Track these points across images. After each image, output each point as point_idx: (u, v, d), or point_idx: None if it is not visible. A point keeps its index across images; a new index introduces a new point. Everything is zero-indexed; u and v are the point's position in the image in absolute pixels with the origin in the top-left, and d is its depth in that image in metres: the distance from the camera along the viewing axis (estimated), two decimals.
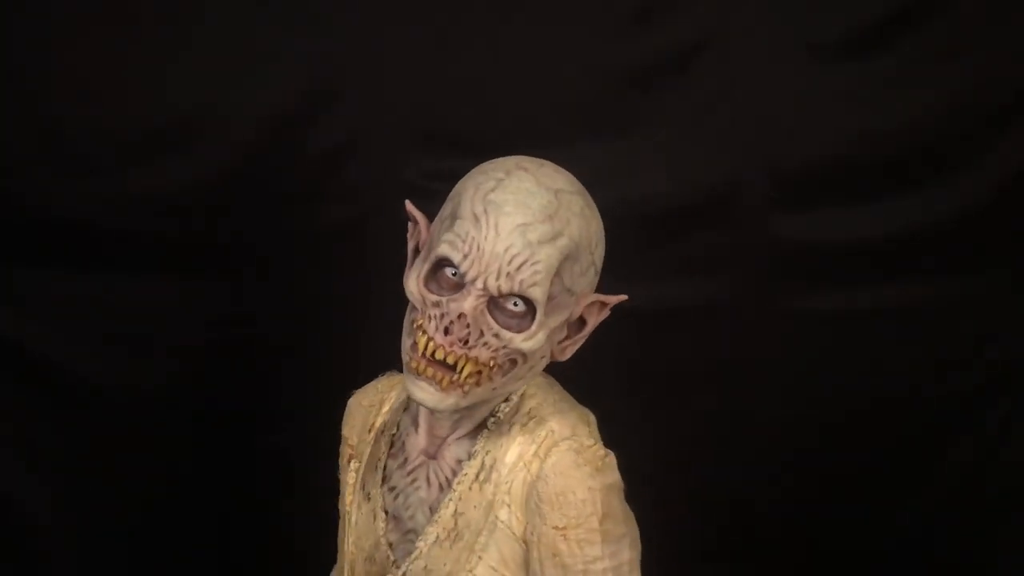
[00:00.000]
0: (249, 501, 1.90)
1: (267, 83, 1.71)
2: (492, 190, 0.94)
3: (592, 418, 1.03)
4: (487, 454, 0.99)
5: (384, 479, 1.07)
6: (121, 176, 1.73)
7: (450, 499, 1.00)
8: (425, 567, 1.00)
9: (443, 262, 0.93)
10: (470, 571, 0.98)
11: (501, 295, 0.91)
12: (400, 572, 1.03)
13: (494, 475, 0.98)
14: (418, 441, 1.04)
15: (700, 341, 1.84)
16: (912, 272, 1.82)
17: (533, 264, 0.91)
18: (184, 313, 1.80)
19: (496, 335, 0.92)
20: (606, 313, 1.00)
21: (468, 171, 1.76)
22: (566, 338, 1.00)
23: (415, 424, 1.04)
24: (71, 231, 1.75)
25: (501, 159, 1.02)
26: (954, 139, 1.76)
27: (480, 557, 0.97)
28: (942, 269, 1.82)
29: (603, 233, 1.01)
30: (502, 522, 0.97)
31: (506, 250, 0.90)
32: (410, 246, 1.02)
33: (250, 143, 1.73)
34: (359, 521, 1.10)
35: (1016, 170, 1.77)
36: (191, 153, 1.73)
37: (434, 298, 0.93)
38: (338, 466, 1.25)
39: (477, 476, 0.99)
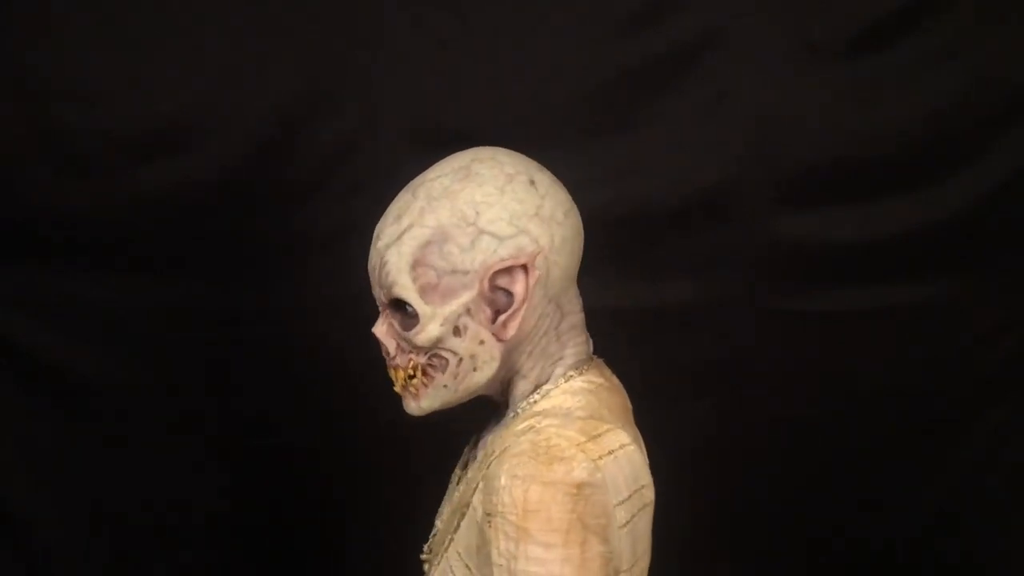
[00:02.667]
0: (249, 501, 1.90)
1: (267, 83, 1.71)
2: None
3: (606, 436, 0.94)
4: (493, 443, 1.00)
5: (461, 477, 1.13)
6: (121, 176, 1.73)
7: (459, 485, 1.04)
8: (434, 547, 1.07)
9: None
10: (445, 552, 1.01)
11: (390, 305, 1.01)
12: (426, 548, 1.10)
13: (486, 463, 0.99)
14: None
15: (700, 341, 1.84)
16: (912, 272, 1.82)
17: (384, 268, 1.00)
18: (184, 313, 1.80)
19: (405, 339, 0.99)
20: (534, 275, 0.96)
21: None
22: (497, 315, 0.97)
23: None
24: (71, 231, 1.75)
25: None
26: (954, 139, 1.76)
27: (453, 539, 1.00)
28: (942, 269, 1.82)
29: (498, 196, 0.97)
30: (473, 507, 0.98)
31: (372, 267, 1.03)
32: None
33: (250, 143, 1.73)
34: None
35: (1016, 170, 1.77)
36: (191, 153, 1.73)
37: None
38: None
39: (480, 464, 1.01)
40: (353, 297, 1.80)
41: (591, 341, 1.08)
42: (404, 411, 1.06)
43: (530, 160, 1.04)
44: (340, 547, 1.93)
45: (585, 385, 1.01)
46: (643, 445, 1.03)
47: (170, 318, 1.80)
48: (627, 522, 0.93)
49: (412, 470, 1.77)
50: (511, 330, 0.97)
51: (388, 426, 1.84)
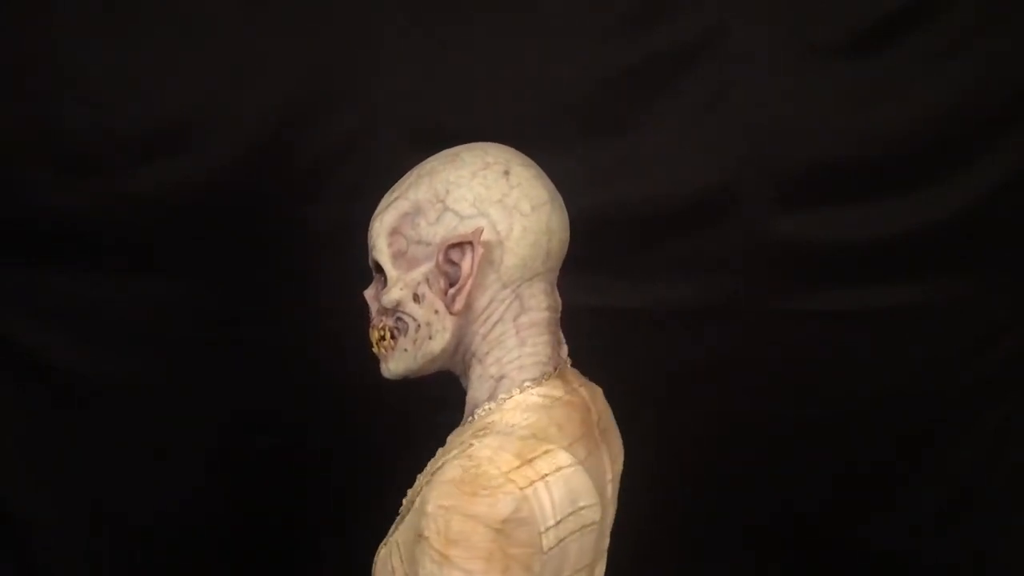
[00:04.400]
0: (250, 501, 1.90)
1: (266, 83, 1.71)
2: None
3: (543, 459, 0.95)
4: (450, 442, 1.08)
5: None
6: (121, 176, 1.73)
7: (417, 481, 1.08)
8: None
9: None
10: (395, 534, 1.05)
11: (374, 269, 1.12)
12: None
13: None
14: None
15: (700, 341, 1.84)
16: (912, 272, 1.82)
17: (371, 232, 1.11)
18: (184, 313, 1.80)
19: (379, 301, 1.10)
20: (478, 252, 1.00)
21: None
22: (451, 288, 1.03)
23: None
24: (71, 231, 1.75)
25: None
26: (954, 139, 1.76)
27: (399, 526, 1.05)
28: (942, 269, 1.82)
29: (468, 180, 1.03)
30: (416, 507, 1.00)
31: (369, 232, 1.12)
32: None
33: (249, 143, 1.73)
34: None
35: (1016, 170, 1.77)
36: (191, 153, 1.73)
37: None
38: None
39: (432, 463, 1.07)
40: (353, 297, 1.81)
41: (564, 346, 1.10)
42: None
43: (522, 157, 1.07)
44: (342, 547, 1.93)
45: (539, 400, 1.02)
46: (602, 461, 1.05)
47: (170, 318, 1.80)
48: (555, 545, 0.94)
49: (414, 469, 1.77)
50: (458, 303, 1.02)
51: (389, 426, 1.85)
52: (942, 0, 1.70)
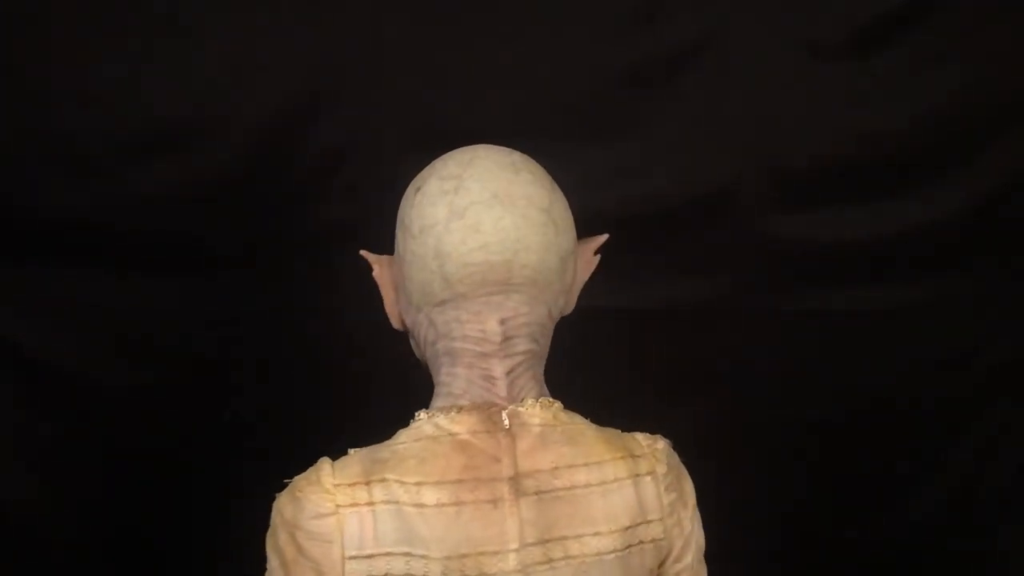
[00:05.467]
0: (250, 501, 1.90)
1: (267, 83, 1.71)
2: None
3: (381, 487, 0.92)
4: None
5: None
6: (121, 176, 1.72)
7: None
8: None
9: None
10: None
11: None
12: None
13: None
14: None
15: (700, 341, 1.84)
16: (912, 272, 1.82)
17: None
18: (183, 313, 1.80)
19: None
20: (373, 269, 1.08)
21: None
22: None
23: None
24: (71, 231, 1.74)
25: (508, 148, 1.07)
26: (954, 139, 1.76)
27: None
28: (941, 269, 1.82)
29: (408, 194, 1.05)
30: None
31: None
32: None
33: (249, 143, 1.73)
34: None
35: (1015, 170, 1.77)
36: (191, 153, 1.73)
37: None
38: None
39: None
40: (353, 296, 1.81)
41: (482, 387, 0.98)
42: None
43: (456, 164, 1.00)
44: None
45: (430, 430, 0.96)
46: (491, 519, 0.92)
47: (170, 318, 1.80)
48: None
49: None
50: (391, 320, 1.07)
51: (391, 425, 1.85)
52: (940, 0, 1.70)
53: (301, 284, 1.80)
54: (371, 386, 1.85)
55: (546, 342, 1.03)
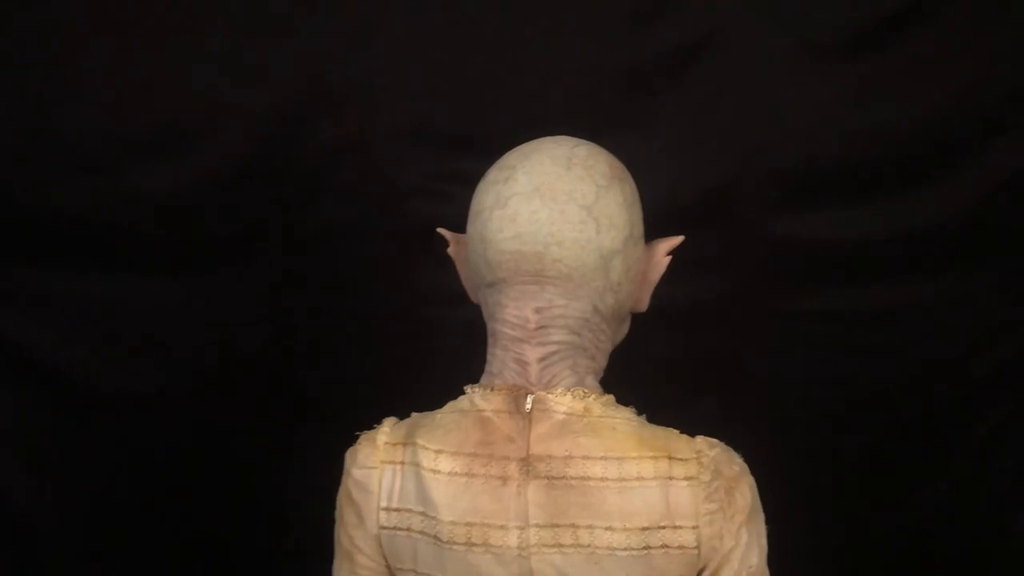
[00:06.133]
0: (249, 501, 1.90)
1: (267, 83, 1.71)
2: None
3: (411, 450, 1.02)
4: None
5: None
6: (121, 176, 1.73)
7: None
8: None
9: None
10: None
11: None
12: None
13: None
14: None
15: (700, 341, 1.84)
16: (912, 272, 1.82)
17: None
18: (183, 313, 1.80)
19: None
20: (445, 244, 1.11)
21: (468, 171, 1.76)
22: None
23: None
24: (71, 231, 1.75)
25: (582, 143, 1.09)
26: (954, 139, 1.75)
27: None
28: (942, 269, 1.82)
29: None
30: None
31: None
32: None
33: (250, 143, 1.73)
34: None
35: (1015, 170, 1.77)
36: (191, 153, 1.73)
37: None
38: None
39: None
40: (353, 296, 1.81)
41: (515, 370, 1.01)
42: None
43: (517, 156, 1.04)
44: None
45: (465, 404, 1.02)
46: (501, 496, 0.96)
47: (170, 318, 1.80)
48: (389, 528, 1.02)
49: None
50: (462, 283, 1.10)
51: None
52: (940, 1, 1.70)
53: (301, 283, 1.80)
54: (374, 384, 1.85)
55: (595, 336, 1.02)
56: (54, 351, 1.80)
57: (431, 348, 1.81)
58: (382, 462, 1.03)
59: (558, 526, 0.95)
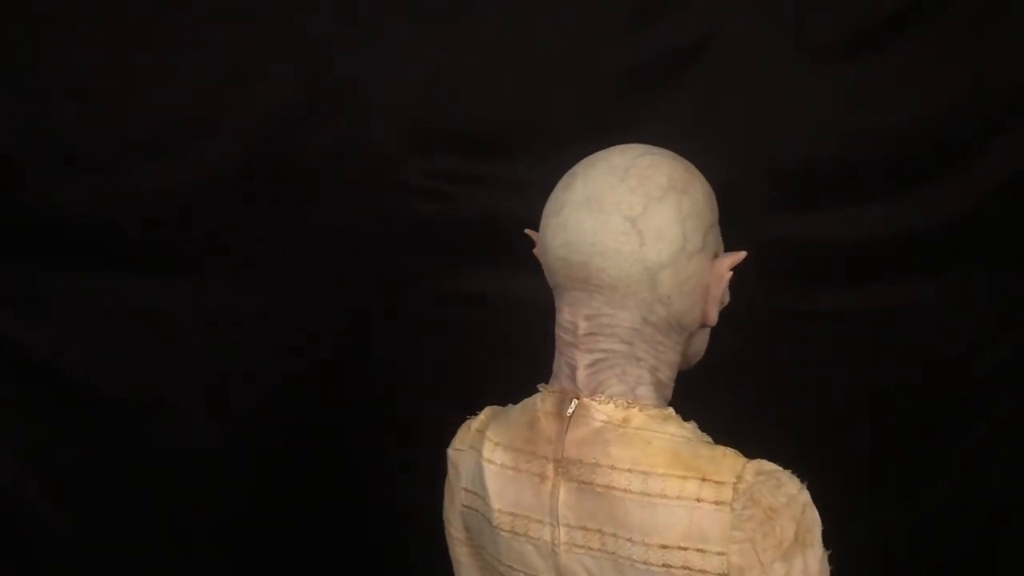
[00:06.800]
0: (250, 501, 1.90)
1: (267, 83, 1.71)
2: None
3: (478, 437, 1.09)
4: None
5: None
6: (121, 176, 1.72)
7: None
8: None
9: None
10: None
11: None
12: None
13: None
14: None
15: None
16: (912, 272, 1.82)
17: None
18: (184, 313, 1.80)
19: None
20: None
21: (468, 171, 1.76)
22: None
23: None
24: (71, 231, 1.75)
25: (677, 157, 1.07)
26: (954, 139, 1.76)
27: None
28: (942, 269, 1.82)
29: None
30: None
31: None
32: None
33: (249, 143, 1.73)
34: None
35: (1015, 170, 1.77)
36: (191, 153, 1.73)
37: None
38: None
39: None
40: (354, 296, 1.81)
41: (567, 374, 1.02)
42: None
43: (584, 164, 1.03)
44: (346, 546, 1.93)
45: (529, 404, 1.06)
46: (540, 491, 1.00)
47: (170, 318, 1.80)
48: (466, 507, 1.09)
49: (417, 467, 1.77)
50: None
51: (393, 424, 1.86)
52: (940, 1, 1.70)
53: (302, 283, 1.80)
54: (374, 383, 1.85)
55: (650, 347, 1.01)
56: (54, 351, 1.80)
57: (431, 348, 1.81)
58: (469, 446, 1.09)
59: (587, 529, 0.97)
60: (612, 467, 0.96)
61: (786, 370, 1.85)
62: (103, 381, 1.83)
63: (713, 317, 1.05)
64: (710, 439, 1.01)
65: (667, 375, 1.05)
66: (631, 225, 0.96)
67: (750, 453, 1.08)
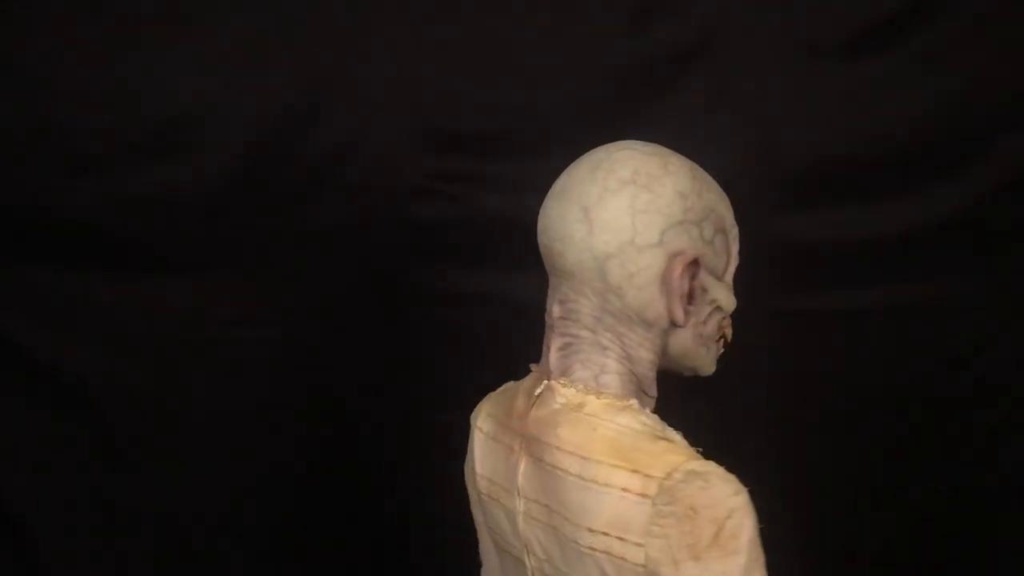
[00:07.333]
0: (250, 501, 1.90)
1: (267, 83, 1.71)
2: (718, 186, 1.12)
3: (478, 414, 1.16)
4: None
5: None
6: (121, 176, 1.73)
7: None
8: None
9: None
10: None
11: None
12: None
13: None
14: None
15: None
16: (912, 272, 1.82)
17: None
18: (184, 313, 1.80)
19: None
20: None
21: (468, 171, 1.76)
22: None
23: None
24: (71, 231, 1.74)
25: (663, 155, 1.06)
26: (954, 139, 1.76)
27: None
28: (941, 269, 1.82)
29: None
30: None
31: None
32: (686, 286, 1.03)
33: (250, 143, 1.73)
34: None
35: (1016, 170, 1.77)
36: (191, 153, 1.73)
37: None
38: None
39: None
40: (353, 296, 1.81)
41: (545, 356, 1.07)
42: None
43: (579, 158, 1.07)
44: (347, 547, 1.93)
45: (520, 382, 1.12)
46: (508, 459, 1.07)
47: (170, 318, 1.80)
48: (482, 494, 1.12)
49: (418, 466, 1.78)
50: None
51: (393, 423, 1.86)
52: (940, 1, 1.70)
53: (302, 283, 1.80)
54: (373, 383, 1.85)
55: (616, 336, 1.02)
56: (54, 351, 1.80)
57: (431, 348, 1.81)
58: (476, 414, 1.16)
59: (539, 503, 1.02)
60: (559, 448, 0.99)
61: (786, 370, 1.85)
62: (104, 381, 1.82)
63: (676, 316, 1.02)
64: (676, 437, 1.01)
65: (641, 369, 1.05)
66: (584, 214, 0.99)
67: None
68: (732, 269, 1.10)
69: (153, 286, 1.79)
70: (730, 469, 1.01)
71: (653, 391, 1.07)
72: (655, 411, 1.07)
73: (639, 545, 0.93)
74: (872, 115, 1.74)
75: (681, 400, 1.70)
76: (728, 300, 1.08)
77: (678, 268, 1.01)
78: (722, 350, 1.12)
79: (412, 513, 1.87)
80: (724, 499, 0.94)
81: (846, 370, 1.86)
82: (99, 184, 1.72)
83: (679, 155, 1.08)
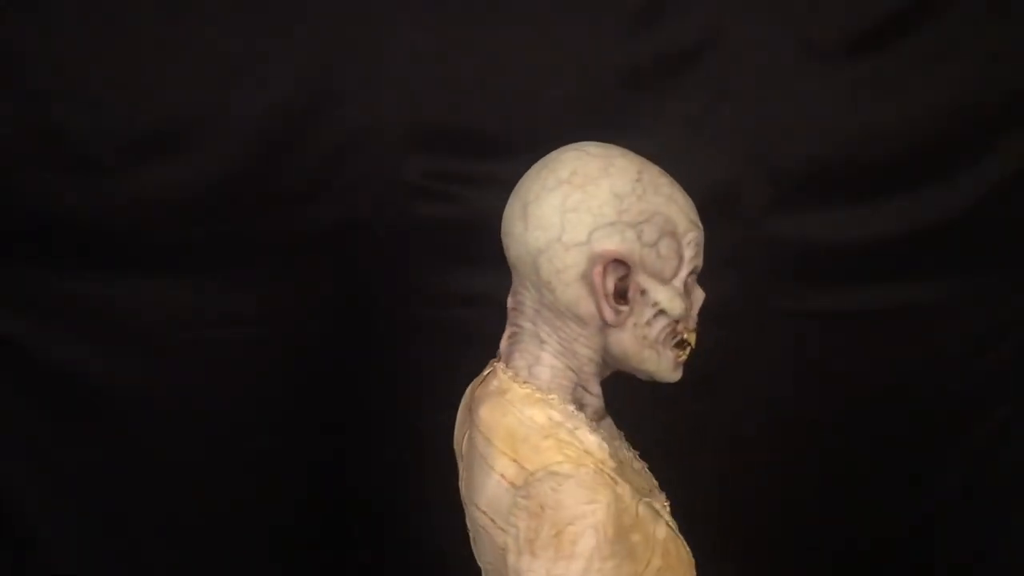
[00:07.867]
0: (250, 501, 1.90)
1: (267, 83, 1.71)
2: (676, 190, 1.11)
3: None
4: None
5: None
6: (121, 176, 1.73)
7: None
8: None
9: (693, 272, 1.12)
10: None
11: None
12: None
13: None
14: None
15: (699, 341, 1.83)
16: (912, 272, 1.82)
17: None
18: (183, 313, 1.80)
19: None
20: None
21: (468, 171, 1.76)
22: None
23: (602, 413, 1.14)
24: (71, 231, 1.75)
25: (610, 157, 1.06)
26: (954, 139, 1.76)
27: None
28: (942, 269, 1.82)
29: None
30: None
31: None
32: (609, 285, 1.03)
33: (250, 143, 1.73)
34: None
35: (1016, 170, 1.77)
36: (191, 153, 1.73)
37: (689, 305, 1.13)
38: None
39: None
40: (353, 297, 1.81)
41: (501, 342, 1.13)
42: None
43: (556, 155, 1.10)
44: (346, 547, 1.93)
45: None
46: (460, 428, 1.18)
47: (170, 318, 1.80)
48: None
49: (418, 466, 1.78)
50: None
51: (393, 423, 1.86)
52: (939, 1, 1.70)
53: (302, 283, 1.80)
54: (373, 383, 1.85)
55: (553, 330, 1.06)
56: (54, 351, 1.80)
57: (431, 348, 1.81)
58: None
59: (467, 471, 1.10)
60: (477, 426, 1.06)
61: (785, 370, 1.85)
62: (104, 381, 1.82)
63: (604, 315, 1.04)
64: (587, 438, 1.02)
65: (579, 365, 1.08)
66: (523, 210, 1.04)
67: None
68: (683, 274, 1.10)
69: (153, 286, 1.79)
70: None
71: (594, 388, 1.10)
72: (600, 410, 1.10)
73: (502, 529, 1.00)
74: (872, 115, 1.74)
75: (684, 400, 1.70)
76: (673, 304, 1.09)
77: (598, 267, 1.02)
78: (683, 356, 1.13)
79: (413, 512, 1.87)
80: (571, 505, 0.95)
81: (845, 370, 1.86)
82: (99, 184, 1.72)
83: (638, 158, 1.08)
